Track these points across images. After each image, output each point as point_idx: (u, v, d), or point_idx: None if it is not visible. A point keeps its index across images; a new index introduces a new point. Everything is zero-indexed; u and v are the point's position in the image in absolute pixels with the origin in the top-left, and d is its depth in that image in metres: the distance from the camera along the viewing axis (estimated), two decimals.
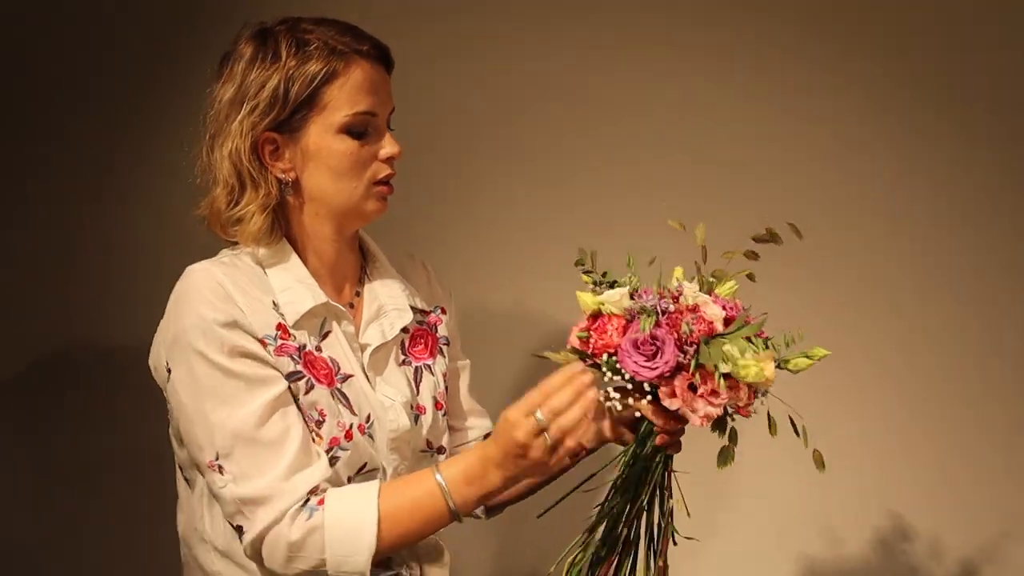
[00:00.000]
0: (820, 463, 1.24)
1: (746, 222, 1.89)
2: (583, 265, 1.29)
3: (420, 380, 1.43)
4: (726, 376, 1.16)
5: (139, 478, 1.98)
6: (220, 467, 1.23)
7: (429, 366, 1.45)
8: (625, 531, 1.27)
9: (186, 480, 1.37)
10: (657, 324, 1.17)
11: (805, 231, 1.87)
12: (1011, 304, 1.92)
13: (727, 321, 1.21)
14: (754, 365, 1.16)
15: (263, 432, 1.23)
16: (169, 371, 1.26)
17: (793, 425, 1.24)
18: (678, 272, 1.26)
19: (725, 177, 1.99)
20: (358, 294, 1.42)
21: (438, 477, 1.23)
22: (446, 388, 1.47)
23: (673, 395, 1.17)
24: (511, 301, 2.08)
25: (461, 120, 2.11)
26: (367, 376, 1.37)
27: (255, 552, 1.24)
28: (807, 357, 1.21)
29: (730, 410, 1.20)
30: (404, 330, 1.43)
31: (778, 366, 1.20)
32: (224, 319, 1.24)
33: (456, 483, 1.23)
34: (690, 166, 2.00)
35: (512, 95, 2.09)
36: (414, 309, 1.45)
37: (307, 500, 1.23)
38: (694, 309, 1.19)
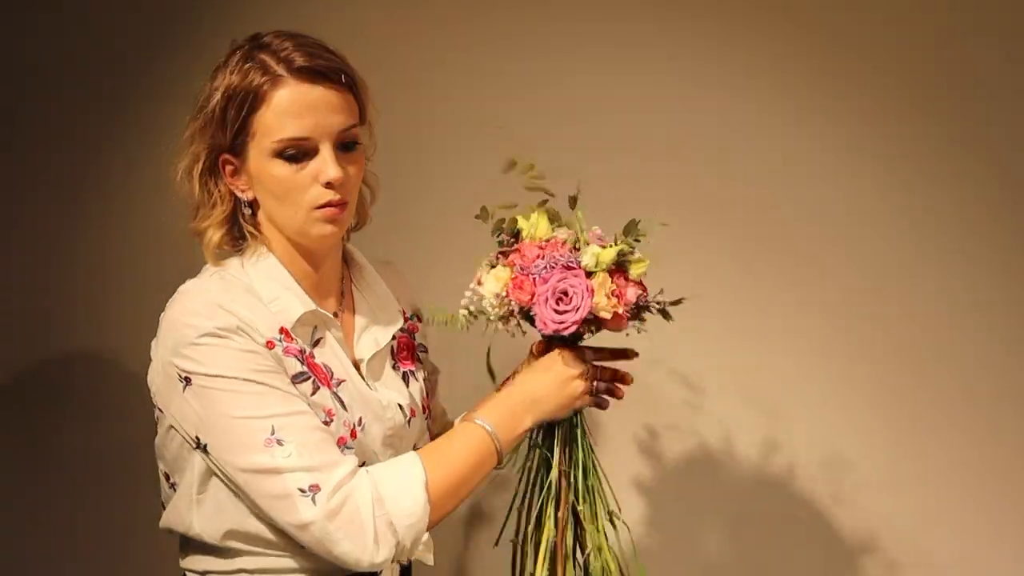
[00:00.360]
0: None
1: (743, 223, 1.96)
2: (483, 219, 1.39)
3: (408, 385, 1.46)
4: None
5: (134, 480, 1.90)
6: (279, 440, 1.22)
7: (413, 372, 1.48)
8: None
9: (172, 486, 1.37)
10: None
11: (799, 231, 1.95)
12: (1003, 302, 1.90)
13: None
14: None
15: (303, 407, 1.26)
16: (186, 380, 1.24)
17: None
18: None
19: (716, 178, 1.99)
20: (342, 306, 1.42)
21: (483, 425, 1.32)
22: (427, 393, 1.50)
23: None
24: None
25: (446, 125, 2.09)
26: (364, 379, 1.38)
27: (328, 513, 1.22)
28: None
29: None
30: (393, 336, 1.45)
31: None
32: (231, 325, 1.24)
33: (501, 428, 1.32)
34: (682, 167, 2.01)
35: (497, 98, 2.07)
36: (401, 314, 1.47)
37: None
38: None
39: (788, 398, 1.95)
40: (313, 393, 1.30)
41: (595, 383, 1.39)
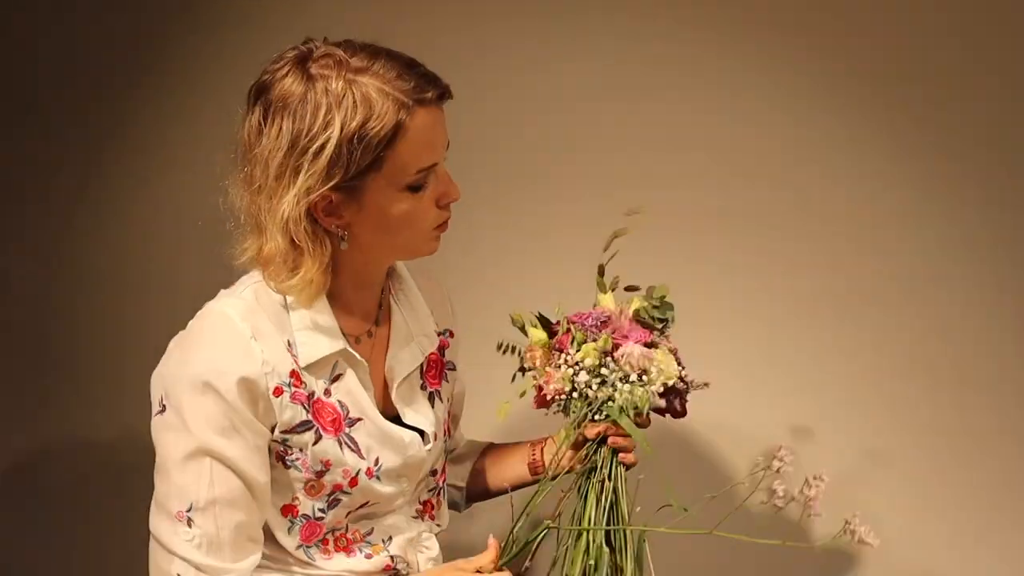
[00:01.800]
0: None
1: (742, 225, 1.95)
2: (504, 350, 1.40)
3: (434, 407, 1.41)
4: None
5: (134, 479, 1.94)
6: (190, 520, 1.20)
7: (439, 393, 1.43)
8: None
9: None
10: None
11: (800, 231, 1.93)
12: (998, 301, 1.88)
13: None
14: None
15: (240, 498, 1.22)
16: (163, 407, 1.21)
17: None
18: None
19: (721, 178, 1.98)
20: (377, 320, 1.36)
21: None
22: (449, 413, 1.47)
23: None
24: (507, 307, 2.04)
25: (461, 129, 2.04)
26: (391, 410, 1.35)
27: None
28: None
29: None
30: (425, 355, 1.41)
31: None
32: (232, 376, 1.19)
33: None
34: (686, 168, 1.99)
35: (512, 103, 2.05)
36: (437, 330, 1.43)
37: None
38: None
39: (788, 398, 1.96)
40: (316, 443, 1.26)
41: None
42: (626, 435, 1.33)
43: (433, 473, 1.44)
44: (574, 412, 1.32)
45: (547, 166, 2.04)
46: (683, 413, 1.36)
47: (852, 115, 1.90)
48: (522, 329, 1.37)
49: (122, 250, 2.20)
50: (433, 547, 1.44)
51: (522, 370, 1.39)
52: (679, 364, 1.35)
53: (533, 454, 1.49)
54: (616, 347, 1.30)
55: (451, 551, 1.48)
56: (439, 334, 1.45)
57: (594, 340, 1.29)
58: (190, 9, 2.11)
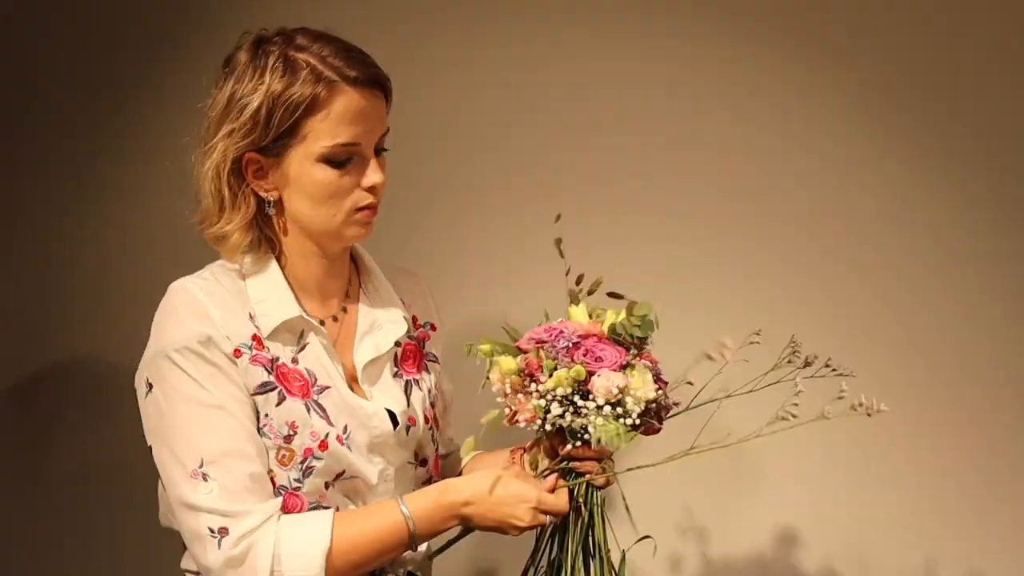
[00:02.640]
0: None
1: (743, 228, 1.97)
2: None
3: (410, 394, 1.44)
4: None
5: (133, 480, 1.92)
6: (205, 475, 1.24)
7: (417, 381, 1.46)
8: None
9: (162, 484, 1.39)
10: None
11: (805, 232, 1.94)
12: (998, 301, 1.91)
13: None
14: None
15: (246, 448, 1.27)
16: (150, 386, 1.28)
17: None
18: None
19: (717, 185, 1.99)
20: (345, 309, 1.42)
21: (403, 509, 1.30)
22: (432, 403, 1.48)
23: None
24: (499, 309, 2.04)
25: (453, 130, 2.07)
26: (352, 386, 1.38)
27: (229, 560, 1.24)
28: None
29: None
30: (397, 343, 1.44)
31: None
32: (198, 337, 1.26)
33: (420, 518, 1.30)
34: (683, 173, 2.01)
35: (505, 105, 2.07)
36: (408, 321, 1.46)
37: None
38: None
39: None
40: (279, 403, 1.30)
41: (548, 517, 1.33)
42: (593, 460, 1.32)
43: (423, 463, 1.46)
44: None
45: (532, 164, 2.06)
46: (658, 431, 1.29)
47: (854, 114, 1.94)
48: (488, 356, 1.32)
49: (117, 250, 2.24)
50: None
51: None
52: (658, 380, 1.28)
53: (513, 462, 1.45)
54: (590, 375, 1.22)
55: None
56: (420, 326, 1.50)
57: (566, 366, 1.19)
58: (189, 10, 2.18)
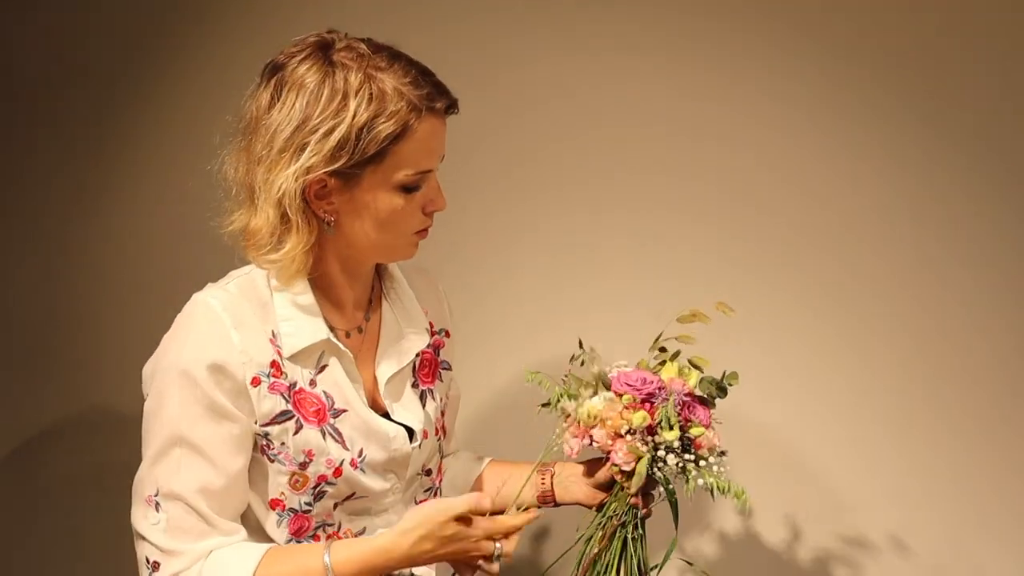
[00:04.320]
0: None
1: (743, 228, 1.95)
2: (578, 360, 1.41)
3: (425, 404, 1.43)
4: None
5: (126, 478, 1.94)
6: (157, 504, 1.24)
7: (432, 391, 1.46)
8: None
9: None
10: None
11: (806, 234, 1.92)
12: (998, 302, 1.88)
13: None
14: (586, 408, 1.36)
15: (209, 488, 1.24)
16: (147, 394, 1.27)
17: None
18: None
19: (722, 183, 1.97)
20: (367, 318, 1.39)
21: (326, 558, 1.25)
22: (442, 413, 1.49)
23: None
24: (503, 308, 2.06)
25: (458, 126, 1.99)
26: (380, 405, 1.37)
27: None
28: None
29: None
30: (417, 354, 1.43)
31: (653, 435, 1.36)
32: (208, 362, 1.22)
33: (342, 563, 1.25)
34: (687, 171, 1.99)
35: (510, 101, 2.04)
36: (428, 331, 1.45)
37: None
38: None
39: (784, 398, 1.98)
40: (296, 432, 1.29)
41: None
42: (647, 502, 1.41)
43: (428, 473, 1.47)
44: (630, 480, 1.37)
45: (542, 164, 2.03)
46: None
47: (854, 114, 1.90)
48: (579, 383, 1.40)
49: (118, 252, 2.19)
50: None
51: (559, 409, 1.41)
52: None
53: (543, 483, 1.50)
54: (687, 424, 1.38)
55: None
56: (435, 333, 1.49)
57: (679, 423, 1.35)
58: (191, 5, 2.10)
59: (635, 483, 1.35)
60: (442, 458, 1.52)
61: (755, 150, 1.95)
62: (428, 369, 1.46)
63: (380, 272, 1.43)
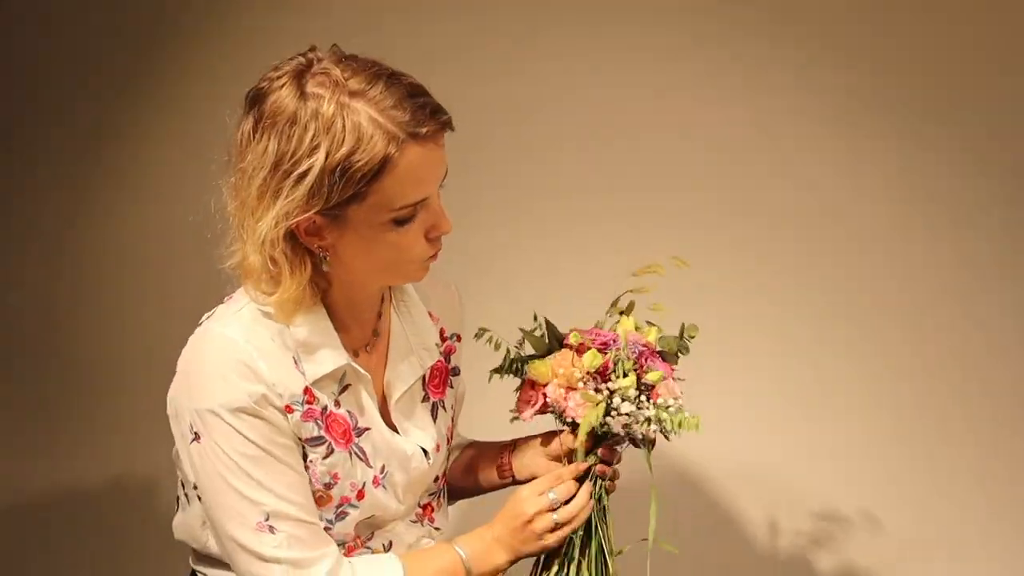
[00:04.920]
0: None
1: (743, 228, 1.98)
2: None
3: (436, 417, 1.41)
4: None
5: (133, 485, 2.03)
6: (271, 527, 1.21)
7: (443, 402, 1.43)
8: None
9: (186, 495, 1.35)
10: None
11: (807, 234, 1.94)
12: (996, 304, 1.91)
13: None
14: (538, 367, 1.35)
15: (306, 498, 1.25)
16: (196, 435, 1.20)
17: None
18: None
19: (726, 183, 1.98)
20: (376, 332, 1.34)
21: (459, 551, 1.31)
22: (452, 419, 1.47)
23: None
24: (506, 306, 1.99)
25: (462, 124, 2.04)
26: (391, 424, 1.35)
27: None
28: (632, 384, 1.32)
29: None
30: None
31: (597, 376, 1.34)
32: (251, 397, 1.19)
33: (474, 558, 1.32)
34: (692, 171, 1.99)
35: (515, 100, 2.02)
36: (439, 345, 1.42)
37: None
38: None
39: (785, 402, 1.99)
40: (326, 456, 1.27)
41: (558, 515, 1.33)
42: (610, 464, 1.39)
43: (435, 480, 1.46)
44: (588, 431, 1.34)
45: (548, 164, 2.03)
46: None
47: (856, 113, 1.93)
48: (535, 341, 1.39)
49: (119, 256, 2.18)
50: None
51: (512, 371, 1.42)
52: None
53: (501, 456, 1.50)
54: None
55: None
56: (447, 338, 1.44)
57: (634, 370, 1.31)
58: (188, 11, 2.08)
59: (582, 429, 1.31)
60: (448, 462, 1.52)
61: (756, 155, 1.96)
62: (439, 379, 1.42)
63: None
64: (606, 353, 1.33)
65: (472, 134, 1.96)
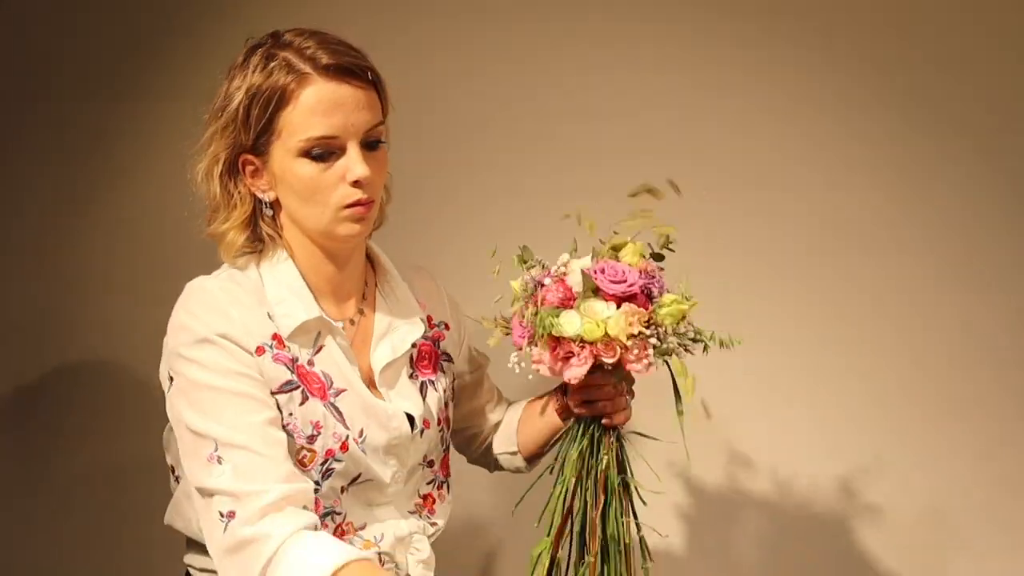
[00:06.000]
0: (706, 412, 1.42)
1: (741, 227, 1.96)
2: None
3: (426, 395, 1.43)
4: (561, 339, 1.29)
5: (133, 485, 2.01)
6: (219, 458, 1.21)
7: (433, 382, 1.45)
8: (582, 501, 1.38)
9: (176, 479, 1.39)
10: (531, 299, 1.32)
11: (796, 231, 1.93)
12: (994, 304, 1.91)
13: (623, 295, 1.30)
14: (573, 323, 1.28)
15: (263, 440, 1.23)
16: (171, 380, 1.27)
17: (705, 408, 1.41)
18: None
19: (713, 179, 1.96)
20: (362, 311, 1.40)
21: None
22: (446, 404, 1.48)
23: (538, 361, 1.32)
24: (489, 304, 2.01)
25: (451, 121, 2.05)
26: (375, 389, 1.37)
27: (229, 547, 1.19)
28: (677, 304, 1.31)
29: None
30: (413, 344, 1.42)
31: (649, 324, 1.30)
32: (216, 333, 1.24)
33: None
34: (681, 165, 1.87)
35: (499, 95, 2.04)
36: (424, 322, 1.44)
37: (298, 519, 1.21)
38: (561, 280, 1.32)
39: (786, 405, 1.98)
40: (302, 403, 1.29)
41: None
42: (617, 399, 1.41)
43: (430, 464, 1.46)
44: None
45: (536, 153, 2.04)
46: None
47: (856, 114, 1.93)
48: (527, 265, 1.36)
49: (119, 253, 2.24)
50: (424, 549, 1.44)
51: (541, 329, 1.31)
52: None
53: (558, 401, 1.51)
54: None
55: (445, 549, 1.48)
56: (435, 325, 1.49)
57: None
58: (180, 11, 2.17)
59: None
60: (446, 451, 1.50)
61: (756, 155, 1.95)
62: (428, 361, 1.45)
63: (374, 266, 1.45)
64: (651, 299, 1.31)
65: (464, 129, 2.03)
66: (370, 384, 1.37)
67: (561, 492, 1.37)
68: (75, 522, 2.26)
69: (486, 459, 1.64)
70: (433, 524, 1.46)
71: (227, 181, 1.29)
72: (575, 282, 1.30)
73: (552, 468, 1.42)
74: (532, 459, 1.60)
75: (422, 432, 1.40)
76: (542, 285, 1.32)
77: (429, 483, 1.46)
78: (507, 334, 1.37)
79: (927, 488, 1.92)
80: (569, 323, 1.28)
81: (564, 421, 1.48)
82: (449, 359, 1.50)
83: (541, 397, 1.55)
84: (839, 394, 1.96)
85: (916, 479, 1.93)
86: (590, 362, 1.29)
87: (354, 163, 1.26)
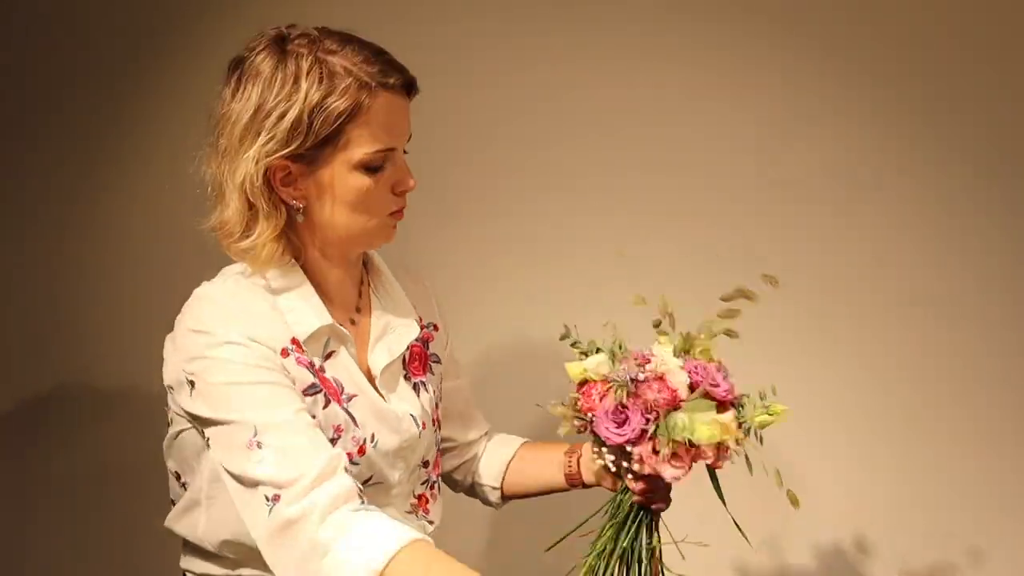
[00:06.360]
0: (794, 501, 1.35)
1: (741, 229, 1.97)
2: (568, 339, 1.39)
3: (419, 396, 1.44)
4: (688, 442, 1.28)
5: (135, 480, 1.97)
6: (259, 443, 1.20)
7: (424, 383, 1.46)
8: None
9: (183, 485, 1.37)
10: (629, 394, 1.30)
11: (801, 241, 1.94)
12: (994, 306, 1.92)
13: (692, 387, 1.30)
14: (707, 429, 1.27)
15: (301, 422, 1.23)
16: (192, 384, 1.24)
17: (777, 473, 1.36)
18: (663, 340, 1.37)
19: (723, 188, 1.96)
20: (358, 309, 1.40)
21: None
22: (436, 405, 1.48)
23: (640, 460, 1.30)
24: (499, 307, 2.05)
25: (456, 126, 2.03)
26: (378, 391, 1.37)
27: (281, 521, 1.17)
28: (768, 415, 1.32)
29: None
30: (407, 346, 1.43)
31: (741, 426, 1.31)
32: (243, 336, 1.23)
33: None
34: (689, 176, 1.97)
35: (508, 100, 2.03)
36: (417, 319, 1.45)
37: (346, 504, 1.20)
38: (660, 378, 1.30)
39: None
40: (325, 406, 1.30)
41: None
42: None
43: (425, 464, 1.48)
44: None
45: (537, 162, 2.03)
46: None
47: (857, 114, 1.93)
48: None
49: (120, 256, 2.25)
50: None
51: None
52: None
53: (569, 465, 1.52)
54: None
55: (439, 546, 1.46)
56: (424, 327, 1.49)
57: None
58: (181, 8, 2.17)
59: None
60: (439, 450, 1.51)
61: (755, 156, 1.96)
62: (419, 362, 1.46)
63: (367, 267, 1.44)
64: (735, 401, 1.33)
65: (473, 133, 2.05)
66: (369, 381, 1.38)
67: (596, 563, 1.39)
68: (75, 523, 2.26)
69: (458, 477, 1.63)
70: (430, 523, 1.48)
71: (263, 188, 1.25)
72: (679, 383, 1.30)
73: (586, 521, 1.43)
74: (509, 499, 1.61)
75: (421, 433, 1.41)
76: (637, 381, 1.30)
77: (424, 483, 1.47)
78: (579, 422, 1.35)
79: (937, 487, 1.96)
80: (702, 429, 1.28)
81: (571, 486, 1.51)
82: (437, 360, 1.51)
83: (544, 446, 1.58)
84: (841, 393, 1.99)
85: (931, 477, 1.95)
86: (691, 463, 1.30)
87: (405, 174, 1.30)
